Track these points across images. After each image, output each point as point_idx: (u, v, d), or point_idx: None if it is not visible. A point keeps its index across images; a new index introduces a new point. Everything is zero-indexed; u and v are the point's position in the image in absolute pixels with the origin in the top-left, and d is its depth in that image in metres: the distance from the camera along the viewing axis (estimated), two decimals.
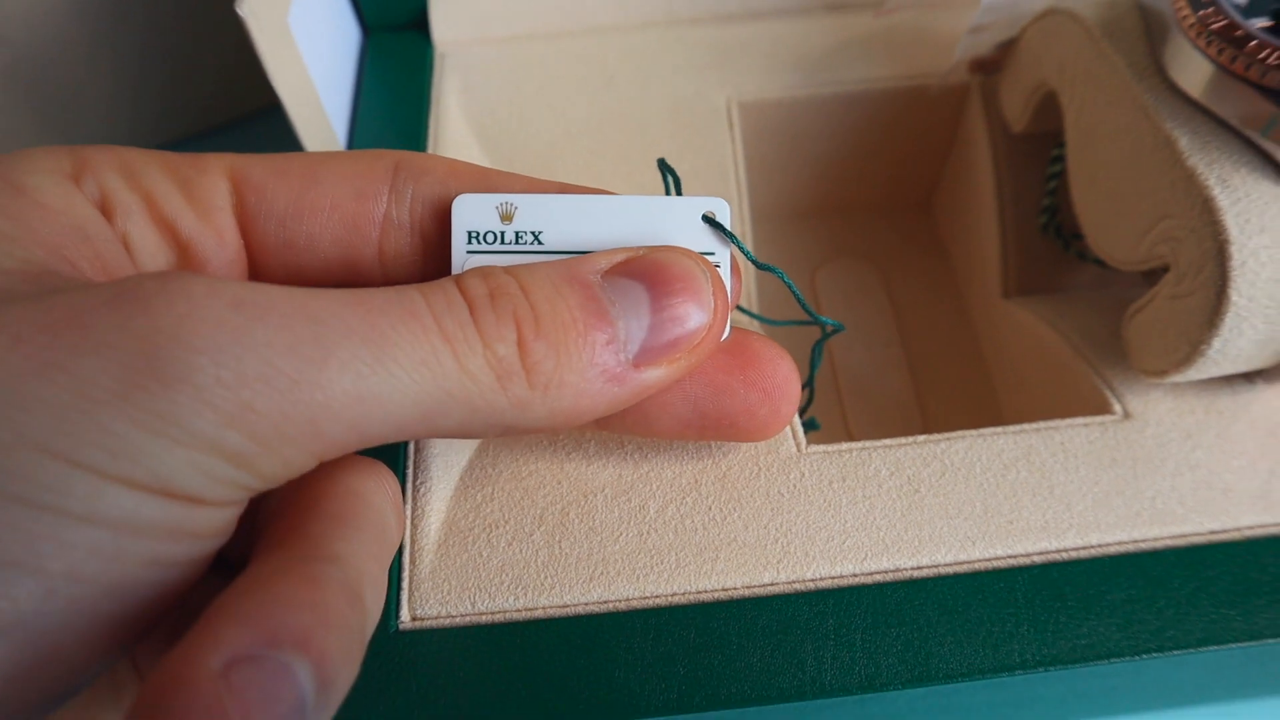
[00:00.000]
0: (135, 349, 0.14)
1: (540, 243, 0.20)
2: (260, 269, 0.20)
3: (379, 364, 0.15)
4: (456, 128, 0.33)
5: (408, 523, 0.25)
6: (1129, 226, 0.26)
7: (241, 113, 0.48)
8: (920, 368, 0.36)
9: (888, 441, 0.26)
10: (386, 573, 0.19)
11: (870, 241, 0.40)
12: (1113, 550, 0.24)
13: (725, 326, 0.20)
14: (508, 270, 0.18)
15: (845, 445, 0.26)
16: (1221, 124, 0.24)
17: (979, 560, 0.24)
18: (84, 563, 0.14)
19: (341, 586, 0.16)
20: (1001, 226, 0.33)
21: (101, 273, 0.18)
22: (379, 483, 0.19)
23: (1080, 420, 0.26)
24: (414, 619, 0.24)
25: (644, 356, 0.19)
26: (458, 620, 0.24)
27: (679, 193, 0.24)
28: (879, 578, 0.24)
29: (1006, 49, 0.32)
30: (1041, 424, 0.26)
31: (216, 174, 0.20)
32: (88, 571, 0.14)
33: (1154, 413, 0.26)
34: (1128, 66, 0.26)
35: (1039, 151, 0.33)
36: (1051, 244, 0.33)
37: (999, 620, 0.23)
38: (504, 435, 0.19)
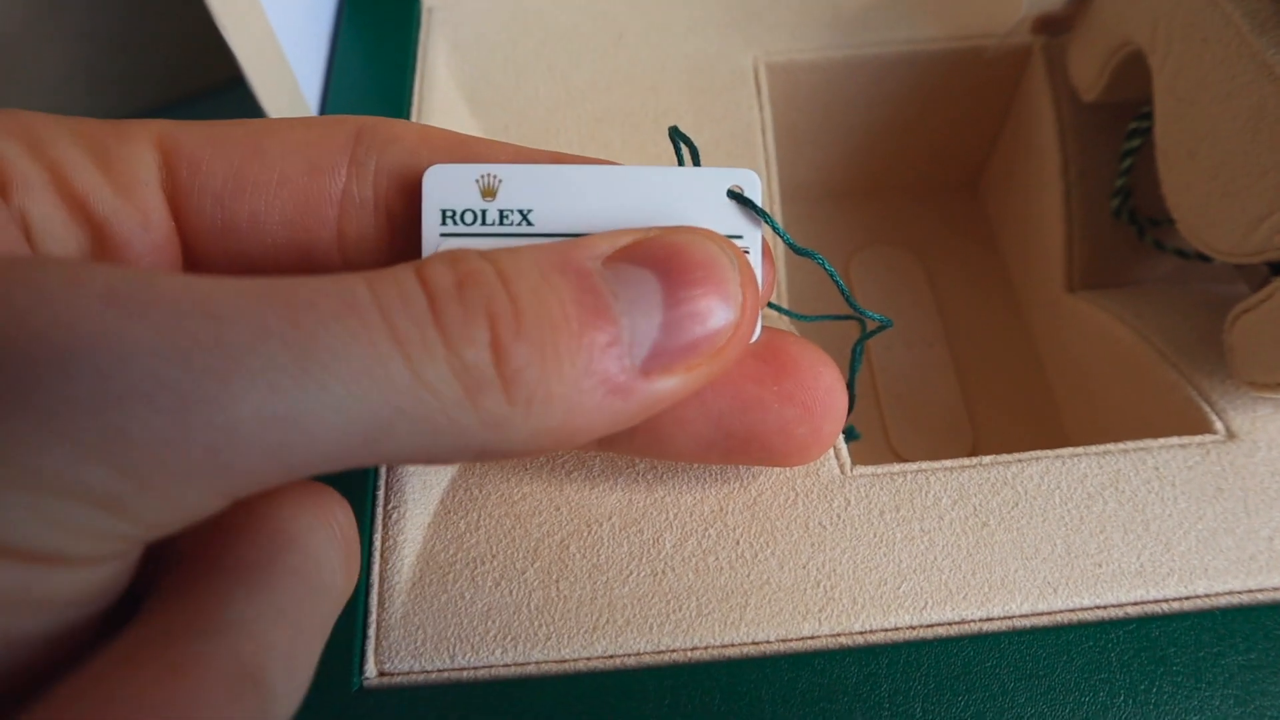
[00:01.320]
0: None
1: (530, 223, 0.18)
2: (196, 256, 0.18)
3: (304, 374, 0.12)
4: (445, 92, 0.30)
5: (375, 556, 0.22)
6: (1241, 211, 0.22)
7: (205, 85, 0.44)
8: (968, 371, 0.32)
9: (948, 463, 0.22)
10: (318, 637, 0.15)
11: (910, 226, 0.36)
12: (1224, 602, 0.21)
13: (755, 326, 0.17)
14: (484, 254, 0.15)
15: (898, 467, 0.22)
16: None
17: (1062, 611, 0.21)
18: None
19: (224, 670, 0.13)
20: (1067, 209, 0.30)
21: None
22: (317, 516, 0.16)
23: (1176, 440, 0.23)
24: (380, 674, 0.21)
25: (655, 362, 0.15)
26: (433, 677, 0.20)
27: (697, 165, 0.20)
28: (941, 631, 0.21)
29: (1079, 4, 0.28)
30: (1130, 444, 0.23)
31: (141, 143, 0.17)
32: None
33: (1264, 433, 0.23)
34: (1244, 16, 0.22)
35: (1112, 124, 0.30)
36: (1124, 230, 0.30)
37: (1089, 688, 0.20)
38: (478, 460, 0.16)
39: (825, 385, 0.19)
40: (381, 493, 0.22)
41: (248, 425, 0.12)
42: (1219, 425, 0.23)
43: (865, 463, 0.23)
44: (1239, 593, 0.21)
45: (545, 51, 0.31)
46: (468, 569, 0.21)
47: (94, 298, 0.12)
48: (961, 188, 0.37)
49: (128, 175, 0.17)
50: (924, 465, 0.22)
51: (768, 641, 0.20)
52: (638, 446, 0.20)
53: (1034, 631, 0.20)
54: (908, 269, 0.34)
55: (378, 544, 0.22)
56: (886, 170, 0.35)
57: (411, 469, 0.23)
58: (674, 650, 0.20)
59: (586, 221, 0.18)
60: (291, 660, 0.14)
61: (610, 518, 0.22)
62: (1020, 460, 0.22)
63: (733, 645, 0.20)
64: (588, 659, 0.20)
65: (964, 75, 0.31)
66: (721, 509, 0.22)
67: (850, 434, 0.25)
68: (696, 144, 0.29)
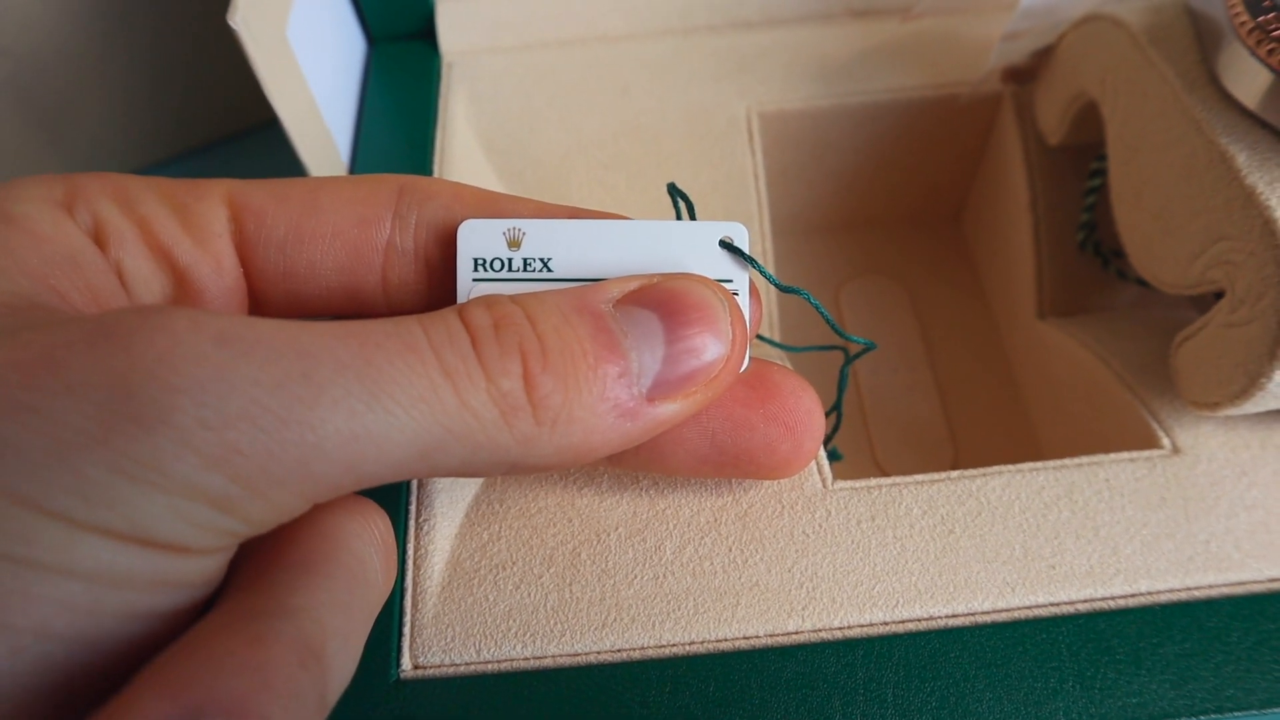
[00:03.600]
0: (113, 389, 0.13)
1: (550, 270, 0.20)
2: (261, 298, 0.20)
3: (374, 401, 0.15)
4: (464, 141, 0.32)
5: (409, 563, 0.24)
6: (1179, 248, 0.25)
7: (243, 126, 0.47)
8: (950, 392, 0.35)
9: (919, 478, 0.24)
10: (365, 625, 0.18)
11: (896, 258, 0.38)
12: (1164, 599, 0.22)
13: (744, 358, 0.19)
14: (514, 299, 0.17)
15: (874, 481, 0.24)
16: None
17: (1019, 608, 0.23)
18: (55, 618, 0.13)
19: (293, 645, 0.15)
20: (1036, 243, 0.32)
21: (92, 303, 0.17)
22: (363, 524, 0.18)
23: (1126, 455, 0.25)
24: (415, 667, 0.22)
25: (658, 390, 0.18)
26: (462, 669, 0.22)
27: (692, 217, 0.23)
28: (911, 626, 0.22)
29: (1042, 56, 0.31)
30: (1084, 459, 0.25)
31: (214, 200, 0.19)
32: (59, 627, 0.13)
33: (1205, 447, 0.25)
34: (1177, 76, 0.24)
35: (1076, 164, 0.32)
36: (1089, 261, 0.32)
37: (1042, 675, 0.21)
38: (510, 474, 0.18)
39: (805, 407, 0.21)
40: (414, 507, 0.24)
41: (330, 442, 0.14)
42: (1165, 441, 0.25)
43: (853, 477, 0.25)
44: (1178, 590, 0.22)
45: (557, 103, 0.33)
46: (490, 574, 0.24)
47: (211, 340, 0.14)
48: (942, 221, 0.39)
49: (204, 228, 0.19)
50: (898, 479, 0.25)
51: (756, 636, 0.22)
52: (642, 462, 0.22)
53: (994, 626, 0.22)
54: (893, 297, 0.37)
55: (410, 552, 0.24)
56: (872, 206, 0.37)
57: (439, 485, 0.25)
58: (674, 644, 0.22)
59: (599, 268, 0.20)
60: (345, 642, 0.16)
61: (617, 528, 0.24)
62: (985, 474, 0.25)
63: (726, 640, 0.22)
64: (598, 652, 0.22)
65: (940, 120, 0.33)
66: (716, 520, 0.24)
67: (834, 455, 0.27)
68: (696, 186, 0.31)
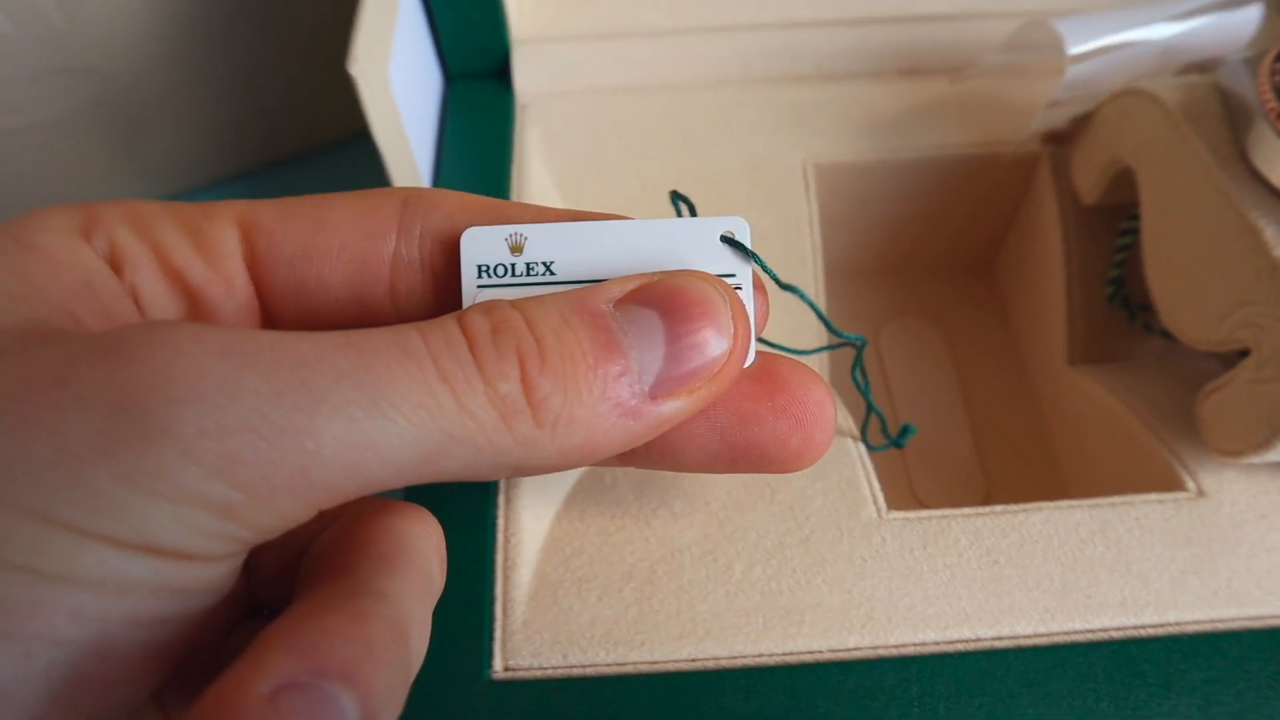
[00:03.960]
0: (117, 402, 0.14)
1: (552, 273, 0.20)
2: (273, 314, 0.20)
3: (373, 408, 0.15)
4: (539, 178, 0.34)
5: (499, 573, 0.26)
6: (1208, 308, 0.27)
7: (309, 146, 0.49)
8: (982, 430, 0.37)
9: (966, 511, 0.27)
10: (430, 616, 0.18)
11: (932, 301, 0.40)
12: (1191, 629, 0.25)
13: (748, 352, 0.19)
14: (513, 303, 0.17)
15: (925, 513, 0.27)
16: None
17: (1058, 633, 0.25)
18: (64, 625, 0.13)
19: (388, 623, 0.16)
20: (1069, 294, 0.34)
21: (107, 326, 0.17)
22: (424, 528, 0.19)
23: (1155, 496, 0.27)
24: (506, 669, 0.24)
25: (661, 388, 0.18)
26: (549, 672, 0.24)
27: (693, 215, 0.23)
28: (960, 647, 0.24)
29: (1080, 122, 0.33)
30: (1116, 499, 0.27)
31: (226, 221, 0.19)
32: (67, 634, 0.13)
33: (1228, 492, 0.27)
34: (1209, 151, 0.27)
35: (1108, 221, 0.34)
36: (1117, 313, 0.34)
37: (1079, 695, 0.24)
38: (516, 475, 0.18)
39: (815, 399, 0.20)
40: (502, 521, 0.26)
41: (330, 450, 0.14)
42: (1191, 484, 0.27)
43: (894, 508, 0.27)
44: (1203, 622, 0.24)
45: (623, 148, 0.35)
46: (575, 586, 0.26)
47: (212, 353, 0.14)
48: (977, 269, 0.41)
49: (215, 249, 0.19)
50: (946, 512, 0.27)
51: (820, 651, 0.24)
52: (653, 459, 0.21)
53: (1035, 649, 0.24)
54: (930, 339, 0.39)
55: (500, 563, 0.26)
56: (912, 253, 0.40)
57: (525, 503, 0.27)
58: (745, 656, 0.24)
59: (601, 269, 0.19)
60: (421, 628, 0.17)
61: (690, 548, 0.26)
62: (1025, 509, 0.27)
63: (792, 653, 0.24)
64: (674, 661, 0.24)
65: (982, 176, 0.36)
66: (781, 544, 0.26)
67: (903, 433, 0.29)
68: (754, 230, 0.34)
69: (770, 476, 0.28)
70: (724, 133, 0.36)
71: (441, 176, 0.35)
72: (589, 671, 0.24)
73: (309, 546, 0.19)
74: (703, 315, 0.18)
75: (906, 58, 0.37)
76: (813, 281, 0.33)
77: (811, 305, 0.22)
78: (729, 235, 0.20)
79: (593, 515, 0.27)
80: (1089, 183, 0.33)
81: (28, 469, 0.13)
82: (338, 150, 0.50)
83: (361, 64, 0.27)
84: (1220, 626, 0.25)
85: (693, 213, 0.23)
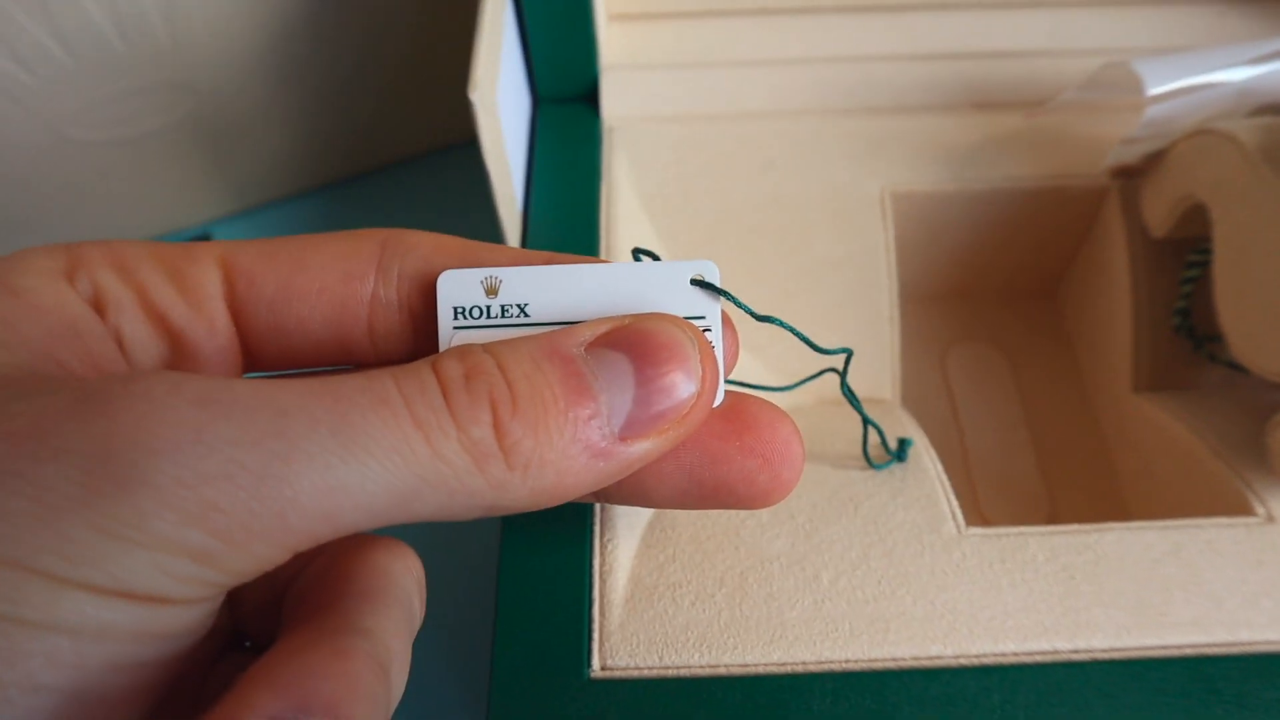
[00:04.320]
0: (94, 453, 0.14)
1: (527, 315, 0.20)
2: (254, 354, 0.21)
3: (348, 454, 0.15)
4: (627, 201, 0.36)
5: (596, 577, 0.27)
6: None
7: (392, 158, 0.51)
8: (1045, 452, 0.38)
9: (1042, 529, 0.28)
10: (409, 650, 0.19)
11: (998, 326, 0.42)
12: (1263, 649, 0.25)
13: (716, 394, 0.20)
14: (486, 348, 0.18)
15: (1002, 530, 0.28)
16: None
17: (1133, 649, 0.26)
18: (40, 671, 0.13)
19: (369, 659, 0.16)
20: (1135, 323, 0.35)
21: (92, 370, 0.18)
22: (405, 564, 0.20)
23: (1225, 520, 0.28)
24: (604, 668, 0.26)
25: (630, 429, 0.18)
26: (645, 672, 0.26)
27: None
28: (1039, 658, 0.25)
29: (1151, 158, 0.34)
30: (1186, 521, 0.28)
31: (207, 263, 0.20)
32: (45, 679, 0.14)
33: None
34: None
35: (1175, 253, 0.35)
36: (1183, 343, 0.35)
37: (1155, 709, 0.25)
38: (488, 515, 0.18)
39: (782, 437, 0.21)
40: (598, 528, 0.28)
41: (306, 496, 0.15)
42: (1261, 510, 0.28)
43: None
44: (1275, 642, 0.25)
45: (708, 172, 0.37)
46: (669, 591, 0.27)
47: (189, 403, 0.15)
48: (1041, 295, 0.42)
49: (197, 291, 0.19)
50: (1022, 529, 0.28)
51: (904, 659, 0.25)
52: (625, 496, 0.22)
53: (1111, 663, 0.25)
54: (995, 363, 0.40)
55: (597, 567, 0.27)
56: (980, 278, 0.41)
57: (620, 510, 0.28)
58: (832, 661, 0.25)
59: (574, 311, 0.20)
60: (400, 662, 0.18)
61: (779, 558, 0.27)
62: (1099, 529, 0.28)
63: (878, 660, 0.25)
64: (765, 665, 0.25)
65: (1051, 208, 0.37)
66: (865, 555, 0.27)
67: (906, 444, 0.30)
68: (831, 256, 0.35)
69: (851, 491, 0.29)
70: (803, 161, 0.37)
71: (534, 196, 0.36)
72: (683, 672, 0.25)
73: (292, 580, 0.20)
74: (671, 359, 0.18)
75: (979, 92, 0.38)
76: (888, 305, 0.34)
77: (791, 330, 0.22)
78: (699, 278, 0.20)
79: (684, 524, 0.28)
80: (1159, 216, 0.34)
81: (6, 519, 0.13)
82: (421, 163, 0.52)
83: (480, 90, 0.29)
84: None
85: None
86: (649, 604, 0.27)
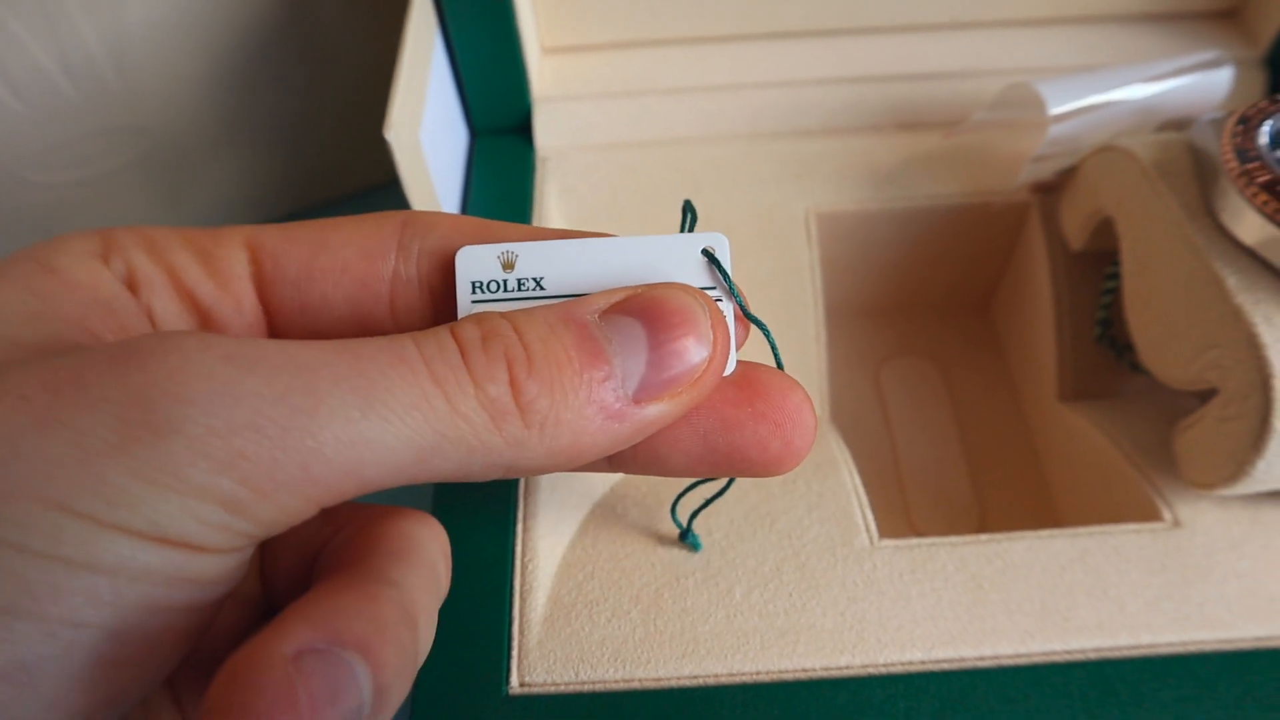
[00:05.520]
0: (131, 402, 0.15)
1: (542, 288, 0.20)
2: (279, 331, 0.21)
3: (369, 409, 0.16)
4: (557, 227, 0.37)
5: (516, 596, 0.28)
6: (1180, 350, 0.29)
7: (344, 192, 0.52)
8: (977, 462, 0.39)
9: (953, 539, 0.29)
10: (435, 611, 0.20)
11: (930, 341, 0.42)
12: (1163, 651, 0.26)
13: (727, 360, 0.20)
14: (504, 315, 0.18)
15: (914, 541, 0.28)
16: (1267, 265, 0.27)
17: (1038, 654, 0.26)
18: (82, 608, 0.14)
19: (398, 606, 0.17)
20: (1059, 335, 0.36)
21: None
22: (431, 532, 0.21)
23: (1132, 526, 0.29)
24: (522, 685, 0.26)
25: (644, 392, 0.18)
26: (562, 688, 0.26)
27: (693, 231, 0.23)
28: (945, 666, 0.26)
29: (1065, 174, 0.35)
30: (1095, 528, 0.29)
31: (234, 245, 0.20)
32: (86, 616, 0.14)
33: (1202, 522, 0.29)
34: (1180, 206, 0.29)
35: (1095, 266, 0.36)
36: (1104, 352, 0.36)
37: (1058, 712, 0.25)
38: (506, 475, 0.19)
39: (793, 404, 0.21)
40: (519, 548, 0.28)
41: (330, 448, 0.15)
42: (1168, 514, 0.29)
43: (890, 537, 0.29)
44: (1175, 645, 0.26)
45: (638, 198, 0.38)
46: (586, 608, 0.28)
47: (219, 359, 0.15)
48: (974, 309, 0.43)
49: (225, 271, 0.20)
50: (935, 540, 0.29)
51: (813, 669, 0.26)
52: (640, 463, 0.22)
53: (1015, 669, 0.26)
54: (927, 376, 0.41)
55: (518, 587, 0.28)
56: (912, 294, 0.42)
57: (541, 531, 0.29)
58: (744, 674, 0.26)
59: (588, 283, 0.20)
60: (428, 619, 0.19)
61: (694, 573, 0.28)
62: (1010, 538, 0.28)
63: (788, 671, 0.26)
64: (678, 678, 0.26)
65: (975, 224, 0.38)
66: (778, 569, 0.28)
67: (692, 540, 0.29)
68: (759, 274, 0.36)
69: (768, 507, 0.30)
70: (731, 184, 0.38)
71: None
72: (599, 687, 0.26)
73: (321, 550, 0.20)
74: (683, 324, 0.19)
75: (904, 113, 0.39)
76: (813, 323, 0.35)
77: (770, 340, 0.22)
78: (710, 250, 0.21)
79: (604, 542, 0.29)
80: (1074, 231, 0.35)
81: (48, 463, 0.14)
82: (371, 196, 0.53)
83: (396, 130, 0.30)
84: (1192, 649, 0.26)
85: (693, 223, 0.24)
86: (567, 621, 0.27)
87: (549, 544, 0.29)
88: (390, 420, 0.16)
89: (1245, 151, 0.27)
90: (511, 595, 0.28)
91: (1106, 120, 0.32)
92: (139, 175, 0.46)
